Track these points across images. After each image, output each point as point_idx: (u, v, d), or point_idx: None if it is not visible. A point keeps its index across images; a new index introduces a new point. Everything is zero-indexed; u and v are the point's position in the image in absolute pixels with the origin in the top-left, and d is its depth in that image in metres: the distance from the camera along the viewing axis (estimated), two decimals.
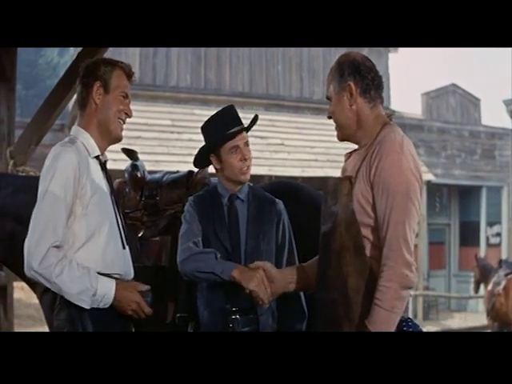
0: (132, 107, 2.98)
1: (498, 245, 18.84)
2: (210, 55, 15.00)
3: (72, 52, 19.77)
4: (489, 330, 9.79)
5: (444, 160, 18.02)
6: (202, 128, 3.14)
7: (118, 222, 2.85)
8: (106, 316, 2.70)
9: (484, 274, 10.33)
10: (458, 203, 19.41)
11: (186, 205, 3.17)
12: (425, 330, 4.42)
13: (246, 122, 3.13)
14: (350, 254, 2.56)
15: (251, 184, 3.22)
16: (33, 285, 3.72)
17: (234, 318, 2.95)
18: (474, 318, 15.77)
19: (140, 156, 3.92)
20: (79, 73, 2.90)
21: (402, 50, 17.86)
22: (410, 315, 13.58)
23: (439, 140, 18.00)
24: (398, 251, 2.48)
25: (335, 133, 2.82)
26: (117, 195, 3.09)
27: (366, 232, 2.58)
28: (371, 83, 2.71)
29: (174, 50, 14.54)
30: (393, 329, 2.49)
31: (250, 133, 3.15)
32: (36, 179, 2.81)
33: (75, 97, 3.00)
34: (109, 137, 2.88)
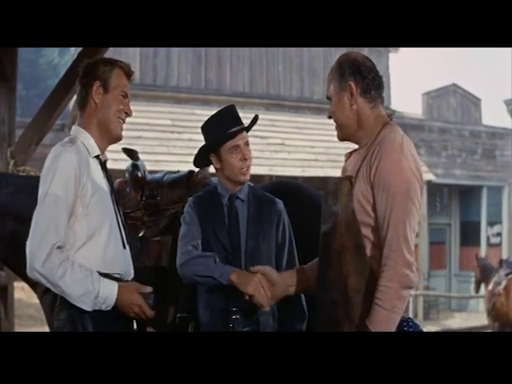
0: (132, 107, 2.98)
1: (499, 244, 18.83)
2: (210, 55, 15.00)
3: (72, 52, 19.77)
4: (489, 330, 9.78)
5: (445, 160, 18.01)
6: (203, 127, 3.14)
7: (118, 222, 2.85)
8: (106, 316, 2.70)
9: (484, 274, 10.33)
10: (459, 203, 19.40)
11: (186, 206, 3.17)
12: (425, 329, 4.42)
13: (246, 122, 3.13)
14: (351, 254, 2.56)
15: (251, 184, 3.22)
16: (33, 285, 3.72)
17: (234, 318, 2.95)
18: (474, 317, 15.77)
19: (140, 156, 3.92)
20: (79, 73, 2.90)
21: (402, 50, 17.86)
22: (411, 315, 13.56)
23: (440, 140, 18.00)
24: (399, 251, 2.48)
25: (335, 133, 2.82)
26: (117, 195, 3.09)
27: (367, 232, 2.58)
28: (372, 83, 2.71)
29: (175, 50, 14.54)
30: (393, 329, 2.49)
31: (250, 132, 3.15)
32: (36, 179, 2.81)
33: (75, 97, 3.00)
34: (109, 136, 2.88)
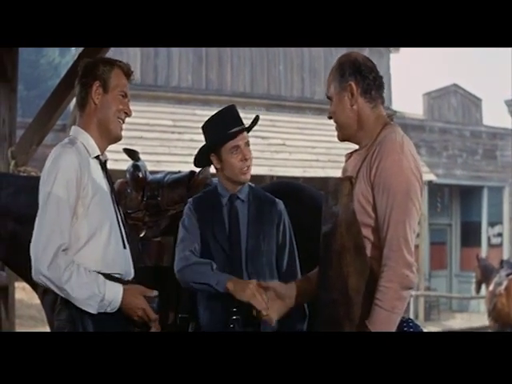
0: (133, 107, 2.98)
1: (500, 245, 18.83)
2: (211, 55, 15.00)
3: (73, 52, 19.78)
4: (490, 331, 9.77)
5: (445, 160, 18.02)
6: (203, 127, 3.14)
7: (118, 222, 2.85)
8: (107, 316, 2.70)
9: (485, 275, 10.32)
10: (460, 203, 19.40)
11: (185, 208, 3.16)
12: (426, 330, 4.42)
13: (247, 123, 3.13)
14: (351, 255, 2.56)
15: (252, 184, 3.22)
16: (34, 285, 3.71)
17: (235, 318, 2.95)
18: (475, 318, 15.76)
19: (141, 156, 3.92)
20: (78, 73, 2.90)
21: (403, 50, 17.87)
22: (412, 315, 13.57)
23: (441, 140, 18.00)
24: (399, 251, 2.48)
25: (336, 133, 2.82)
26: (118, 195, 3.09)
27: (367, 232, 2.58)
28: (372, 83, 2.71)
29: (176, 51, 14.54)
30: (393, 329, 2.48)
31: (251, 133, 3.15)
32: (37, 179, 2.81)
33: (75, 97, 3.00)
34: (108, 136, 2.88)
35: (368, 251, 2.57)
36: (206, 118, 3.16)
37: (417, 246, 14.99)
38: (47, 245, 2.60)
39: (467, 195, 19.09)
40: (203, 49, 14.69)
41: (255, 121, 3.16)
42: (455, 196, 19.31)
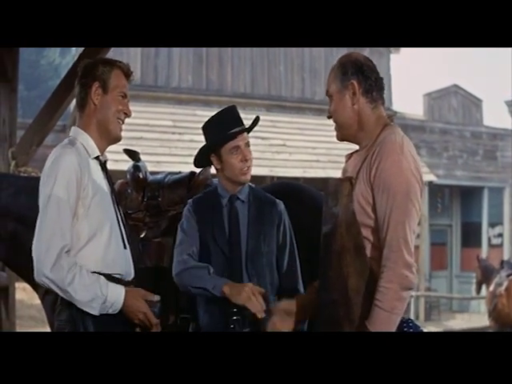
0: (133, 108, 2.97)
1: (500, 245, 18.84)
2: (211, 56, 15.01)
3: (74, 53, 19.80)
4: (491, 331, 9.77)
5: (446, 161, 18.03)
6: (203, 128, 3.14)
7: (118, 222, 2.85)
8: (107, 317, 2.69)
9: (486, 275, 10.32)
10: (460, 204, 19.40)
11: (184, 209, 3.16)
12: (426, 330, 4.41)
13: (247, 123, 3.13)
14: (351, 255, 2.56)
15: (252, 185, 3.21)
16: (35, 286, 3.72)
17: (235, 318, 2.95)
18: (475, 318, 15.76)
19: (142, 157, 3.92)
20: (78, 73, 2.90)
21: (403, 50, 17.88)
22: (412, 316, 13.57)
23: (441, 141, 18.01)
24: (398, 252, 2.48)
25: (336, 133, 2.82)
26: (119, 196, 3.09)
27: (367, 233, 2.58)
28: (374, 84, 2.71)
29: (176, 51, 14.55)
30: (393, 330, 2.48)
31: (251, 133, 3.15)
32: (38, 180, 2.81)
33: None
34: (108, 137, 2.87)
35: (368, 252, 2.57)
36: (207, 119, 3.16)
37: (417, 247, 14.99)
38: (49, 246, 2.60)
39: (468, 196, 19.09)
40: (204, 49, 14.70)
41: (255, 121, 3.16)
42: (456, 197, 19.31)
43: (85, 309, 2.64)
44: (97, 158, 2.84)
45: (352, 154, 2.82)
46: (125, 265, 2.84)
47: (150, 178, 3.81)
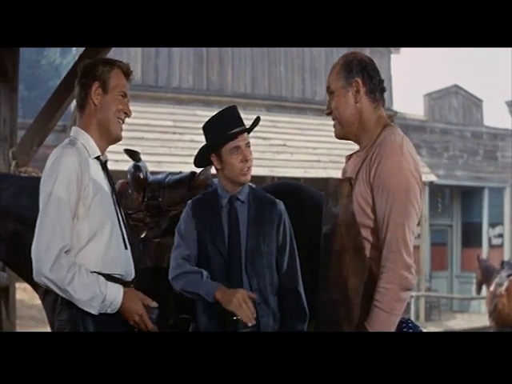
0: (134, 108, 2.97)
1: (500, 246, 18.85)
2: (212, 56, 15.01)
3: (74, 53, 19.82)
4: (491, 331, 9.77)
5: (446, 161, 18.04)
6: (204, 128, 3.13)
7: (119, 222, 2.84)
8: (107, 316, 2.69)
9: (486, 275, 10.32)
10: (460, 204, 19.40)
11: (183, 211, 3.15)
12: (427, 331, 4.41)
13: (248, 123, 3.13)
14: (350, 256, 2.56)
15: (252, 185, 3.21)
16: (35, 286, 3.71)
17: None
18: (476, 319, 15.76)
19: (142, 157, 3.92)
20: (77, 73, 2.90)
21: (404, 51, 17.90)
22: (413, 316, 13.57)
23: (441, 141, 18.02)
24: (398, 253, 2.48)
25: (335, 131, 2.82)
26: (119, 196, 3.09)
27: (366, 233, 2.58)
28: (377, 84, 2.72)
29: (176, 51, 14.56)
30: (392, 330, 2.49)
31: (252, 134, 3.15)
32: (38, 180, 2.81)
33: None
34: (108, 137, 2.87)
35: (367, 252, 2.57)
36: (207, 119, 3.15)
37: (418, 247, 15.00)
38: (49, 246, 2.60)
39: (468, 196, 19.10)
40: (204, 49, 14.71)
41: (256, 122, 3.15)
42: (456, 197, 19.31)
43: (84, 308, 2.64)
44: (97, 157, 2.84)
45: (352, 154, 2.82)
46: (125, 265, 2.84)
47: (151, 178, 3.81)
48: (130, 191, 3.76)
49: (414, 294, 13.43)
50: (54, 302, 2.99)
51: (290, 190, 3.68)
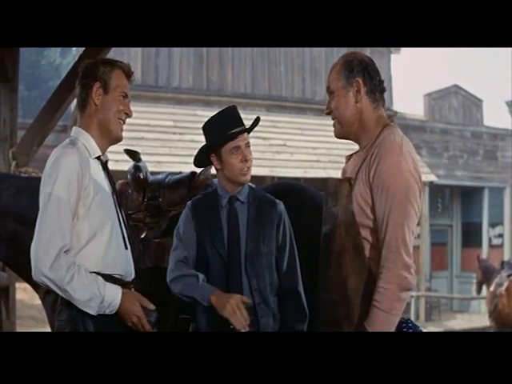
0: (134, 108, 2.97)
1: (501, 246, 18.85)
2: (212, 56, 15.02)
3: (74, 53, 19.82)
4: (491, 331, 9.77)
5: (446, 161, 18.04)
6: (204, 128, 3.13)
7: (120, 223, 2.84)
8: (107, 317, 2.69)
9: (486, 275, 10.32)
10: (460, 204, 19.40)
11: (182, 213, 3.15)
12: (427, 331, 4.41)
13: (248, 123, 3.13)
14: (350, 256, 2.56)
15: (252, 185, 3.21)
16: (36, 286, 3.71)
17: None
18: (476, 319, 15.76)
19: (142, 157, 3.92)
20: (79, 73, 2.90)
21: (404, 51, 17.89)
22: (413, 316, 13.57)
23: (441, 141, 18.02)
24: (397, 253, 2.48)
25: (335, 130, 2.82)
26: (119, 196, 3.09)
27: (366, 233, 2.58)
28: (378, 84, 2.72)
29: (177, 51, 14.56)
30: (392, 330, 2.49)
31: (252, 134, 3.14)
32: (38, 180, 2.81)
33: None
34: (109, 137, 2.87)
35: (367, 252, 2.57)
36: (207, 119, 3.15)
37: (418, 247, 15.00)
38: (49, 246, 2.60)
39: (468, 196, 19.10)
40: (204, 49, 14.71)
41: (256, 122, 3.15)
42: (456, 197, 19.31)
43: (83, 308, 2.64)
44: (98, 158, 2.84)
45: (352, 154, 2.82)
46: (125, 265, 2.84)
47: (151, 178, 3.81)
48: (130, 191, 3.76)
49: (414, 294, 13.44)
50: (54, 302, 2.99)
51: (290, 190, 3.67)
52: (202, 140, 3.15)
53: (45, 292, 3.68)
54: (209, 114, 3.34)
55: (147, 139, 12.40)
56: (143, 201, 3.73)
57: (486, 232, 18.80)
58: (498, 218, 18.91)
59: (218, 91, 14.99)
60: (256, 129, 3.17)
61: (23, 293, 10.17)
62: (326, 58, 15.84)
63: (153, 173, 3.93)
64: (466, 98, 18.85)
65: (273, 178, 12.37)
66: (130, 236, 2.93)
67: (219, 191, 3.12)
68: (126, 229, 2.89)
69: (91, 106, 2.84)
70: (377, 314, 2.47)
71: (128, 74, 2.90)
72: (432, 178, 15.41)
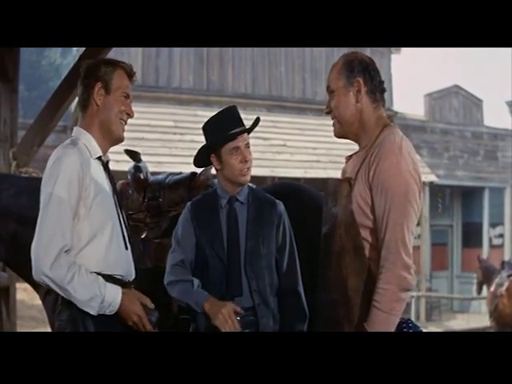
0: (135, 108, 2.97)
1: (501, 246, 18.85)
2: (212, 56, 15.01)
3: (75, 53, 19.83)
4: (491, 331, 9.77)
5: (447, 161, 18.04)
6: (204, 128, 3.13)
7: (120, 223, 2.84)
8: (108, 317, 2.70)
9: (487, 276, 10.32)
10: (461, 204, 19.40)
11: (182, 214, 3.15)
12: (427, 331, 4.41)
13: (248, 124, 3.12)
14: (350, 256, 2.56)
15: (252, 185, 3.20)
16: (36, 286, 3.72)
17: None
18: (476, 319, 15.75)
19: (143, 157, 3.92)
20: (80, 74, 2.89)
21: (404, 51, 17.89)
22: (413, 316, 13.57)
23: (442, 141, 18.02)
24: (397, 253, 2.48)
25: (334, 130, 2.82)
26: (120, 196, 3.09)
27: (365, 234, 2.58)
28: (378, 84, 2.72)
29: (177, 51, 14.56)
30: (391, 330, 2.49)
31: (252, 134, 3.14)
32: (39, 180, 2.81)
33: (77, 98, 2.99)
34: (110, 137, 2.87)
35: (366, 252, 2.57)
36: (207, 119, 3.15)
37: (418, 247, 15.00)
38: (49, 245, 2.60)
39: (468, 196, 19.09)
40: (204, 49, 14.71)
41: (256, 122, 3.15)
42: (456, 197, 19.31)
43: (84, 308, 2.64)
44: (99, 158, 2.84)
45: (352, 155, 2.82)
46: (126, 265, 2.84)
47: (151, 178, 3.81)
48: (130, 192, 3.76)
49: (414, 294, 13.43)
50: (55, 302, 2.99)
51: (290, 191, 3.67)
52: (202, 140, 3.15)
53: (45, 292, 3.68)
54: (209, 114, 3.33)
55: (148, 139, 12.39)
56: (143, 201, 3.73)
57: (487, 232, 18.80)
58: (499, 218, 18.91)
59: (219, 91, 14.99)
60: (256, 129, 3.17)
61: (24, 293, 10.17)
62: (326, 58, 15.83)
63: (153, 173, 3.93)
64: (467, 98, 18.85)
65: (273, 178, 12.37)
66: (130, 236, 2.93)
67: (219, 191, 3.11)
68: (126, 229, 2.89)
69: (93, 107, 2.84)
70: (376, 314, 2.47)
71: (130, 74, 2.90)
72: (432, 178, 15.41)
